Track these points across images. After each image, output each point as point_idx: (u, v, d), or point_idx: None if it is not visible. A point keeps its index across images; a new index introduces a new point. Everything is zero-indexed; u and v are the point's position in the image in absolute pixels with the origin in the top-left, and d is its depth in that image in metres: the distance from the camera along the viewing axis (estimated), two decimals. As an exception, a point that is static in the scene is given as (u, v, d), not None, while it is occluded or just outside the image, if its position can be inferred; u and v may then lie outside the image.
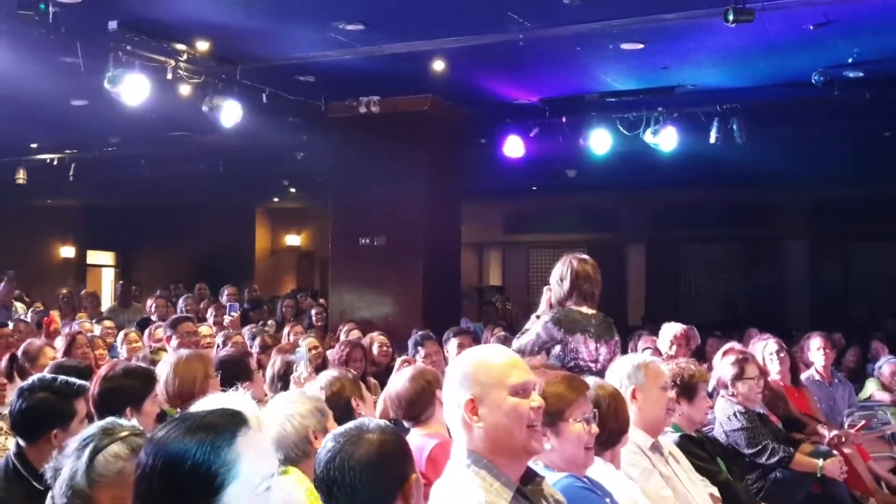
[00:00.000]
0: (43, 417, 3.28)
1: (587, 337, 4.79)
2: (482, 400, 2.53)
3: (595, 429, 3.03)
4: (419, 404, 4.00)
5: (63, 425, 3.26)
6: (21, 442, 3.31)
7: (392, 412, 4.18)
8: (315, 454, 2.40)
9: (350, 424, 2.37)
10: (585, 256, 5.08)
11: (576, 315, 4.85)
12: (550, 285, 5.03)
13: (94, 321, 9.16)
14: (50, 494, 2.48)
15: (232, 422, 1.85)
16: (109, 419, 2.60)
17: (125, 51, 7.69)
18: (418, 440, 3.91)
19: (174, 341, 6.50)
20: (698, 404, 4.39)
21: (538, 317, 4.98)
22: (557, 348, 4.80)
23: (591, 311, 4.92)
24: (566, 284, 4.93)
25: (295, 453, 3.20)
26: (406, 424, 4.09)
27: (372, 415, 4.11)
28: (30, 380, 3.51)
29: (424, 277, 10.12)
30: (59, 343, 6.59)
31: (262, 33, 7.93)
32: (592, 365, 4.76)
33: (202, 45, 8.14)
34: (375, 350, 7.30)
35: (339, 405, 3.78)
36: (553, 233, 17.25)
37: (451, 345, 7.04)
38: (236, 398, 1.98)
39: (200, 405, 1.99)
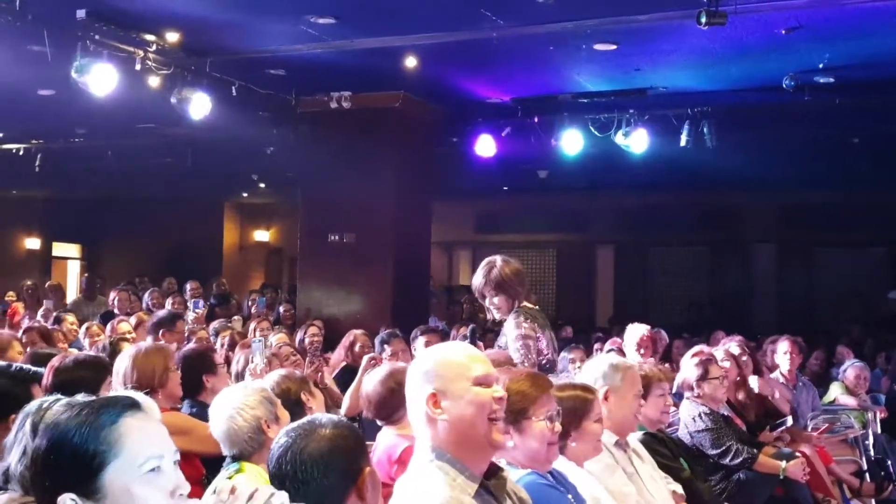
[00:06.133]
0: (2, 402, 3.22)
1: (544, 331, 4.96)
2: (445, 393, 2.51)
3: (558, 427, 3.03)
4: (389, 405, 4.01)
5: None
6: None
7: (365, 411, 4.23)
8: (269, 444, 2.39)
9: (303, 419, 2.37)
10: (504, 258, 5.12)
11: (535, 312, 5.03)
12: (495, 289, 4.99)
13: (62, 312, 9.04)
14: (1, 471, 2.44)
15: (119, 404, 1.89)
16: (49, 397, 2.58)
17: (93, 40, 7.56)
18: (391, 439, 3.95)
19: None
20: (653, 402, 4.41)
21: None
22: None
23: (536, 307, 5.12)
24: (523, 283, 5.07)
25: (250, 446, 3.28)
26: (379, 423, 4.13)
27: (322, 409, 4.19)
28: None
29: (393, 275, 10.07)
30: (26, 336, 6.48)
31: (232, 25, 7.85)
32: (543, 359, 4.85)
33: (172, 37, 8.04)
34: (357, 349, 7.19)
35: (290, 403, 3.80)
36: (524, 233, 17.21)
37: (419, 343, 6.99)
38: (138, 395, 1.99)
39: None
